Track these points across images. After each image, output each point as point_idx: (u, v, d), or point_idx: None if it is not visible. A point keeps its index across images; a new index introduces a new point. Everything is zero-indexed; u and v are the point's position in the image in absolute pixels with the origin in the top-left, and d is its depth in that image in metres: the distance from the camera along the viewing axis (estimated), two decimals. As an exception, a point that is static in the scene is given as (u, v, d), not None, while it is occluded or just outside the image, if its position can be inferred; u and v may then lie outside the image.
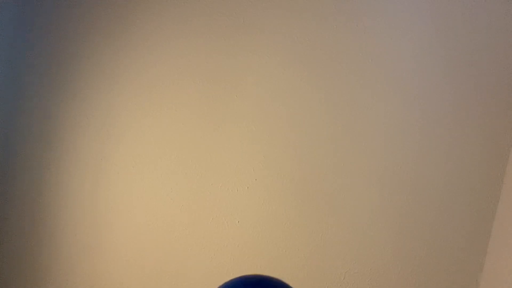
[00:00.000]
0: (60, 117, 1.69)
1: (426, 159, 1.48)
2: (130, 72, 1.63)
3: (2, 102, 1.73)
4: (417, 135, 1.48)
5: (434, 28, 1.45)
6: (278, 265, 1.56)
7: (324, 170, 1.53)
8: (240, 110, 1.57)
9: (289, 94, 1.54)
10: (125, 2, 1.61)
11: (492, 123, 1.43)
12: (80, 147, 1.68)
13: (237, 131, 1.57)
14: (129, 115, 1.64)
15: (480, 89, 1.43)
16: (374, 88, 1.49)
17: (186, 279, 1.63)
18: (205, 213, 1.60)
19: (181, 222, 1.62)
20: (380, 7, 1.48)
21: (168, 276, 1.64)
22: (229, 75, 1.57)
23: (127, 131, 1.65)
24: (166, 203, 1.63)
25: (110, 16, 1.63)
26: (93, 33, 1.65)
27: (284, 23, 1.53)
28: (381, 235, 1.50)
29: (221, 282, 1.05)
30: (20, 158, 1.73)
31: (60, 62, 1.68)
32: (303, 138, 1.54)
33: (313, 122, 1.53)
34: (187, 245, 1.62)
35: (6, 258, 1.78)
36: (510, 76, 1.42)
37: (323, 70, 1.52)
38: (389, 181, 1.49)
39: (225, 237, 1.59)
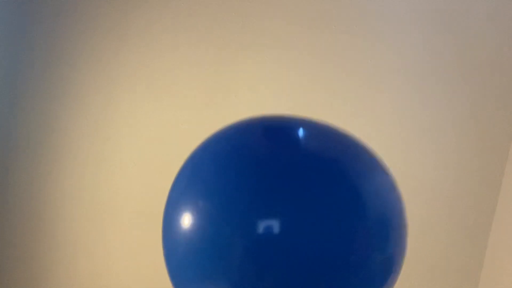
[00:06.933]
0: (59, 117, 1.68)
1: (425, 158, 1.48)
2: (130, 71, 1.63)
3: (1, 102, 1.72)
4: (417, 134, 1.48)
5: (433, 28, 1.45)
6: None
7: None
8: (239, 110, 1.57)
9: (288, 95, 1.54)
10: (124, 2, 1.61)
11: (491, 122, 1.44)
12: (79, 147, 1.68)
13: (237, 131, 1.57)
14: (128, 115, 1.64)
15: (480, 88, 1.44)
16: (373, 89, 1.50)
17: (186, 279, 1.63)
18: (205, 213, 1.60)
19: (181, 222, 1.62)
20: (379, 8, 1.48)
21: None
22: (228, 76, 1.57)
23: (127, 131, 1.64)
24: (166, 203, 1.63)
25: (109, 16, 1.62)
26: (92, 32, 1.64)
27: (283, 24, 1.53)
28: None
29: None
30: (19, 159, 1.72)
31: (59, 62, 1.67)
32: (303, 138, 1.54)
33: (313, 122, 1.53)
34: (187, 245, 1.62)
35: (6, 258, 1.77)
36: (509, 74, 1.42)
37: (323, 71, 1.52)
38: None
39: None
